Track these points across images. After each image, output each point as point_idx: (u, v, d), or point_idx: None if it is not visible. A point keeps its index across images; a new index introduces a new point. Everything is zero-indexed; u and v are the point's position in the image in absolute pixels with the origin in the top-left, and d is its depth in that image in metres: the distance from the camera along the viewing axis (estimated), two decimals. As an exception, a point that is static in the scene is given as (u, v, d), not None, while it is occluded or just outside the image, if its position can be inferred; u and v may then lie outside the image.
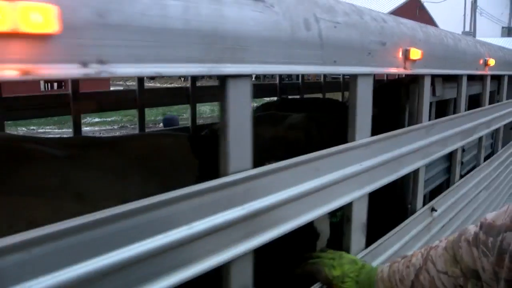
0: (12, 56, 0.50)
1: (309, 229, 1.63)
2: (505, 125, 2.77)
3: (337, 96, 4.18)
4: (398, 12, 33.38)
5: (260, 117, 2.25)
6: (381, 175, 1.31)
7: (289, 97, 3.55)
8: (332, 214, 1.42)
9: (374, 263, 1.34)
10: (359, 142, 1.20)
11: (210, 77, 0.82)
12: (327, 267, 1.11)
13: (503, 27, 61.49)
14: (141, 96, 2.66)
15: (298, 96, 3.63)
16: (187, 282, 0.75)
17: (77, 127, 2.35)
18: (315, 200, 1.03)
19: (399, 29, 1.37)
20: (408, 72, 1.41)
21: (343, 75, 3.65)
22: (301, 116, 2.04)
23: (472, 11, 36.28)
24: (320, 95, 3.87)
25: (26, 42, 0.51)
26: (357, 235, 1.24)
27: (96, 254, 0.62)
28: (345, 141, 1.16)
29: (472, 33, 34.91)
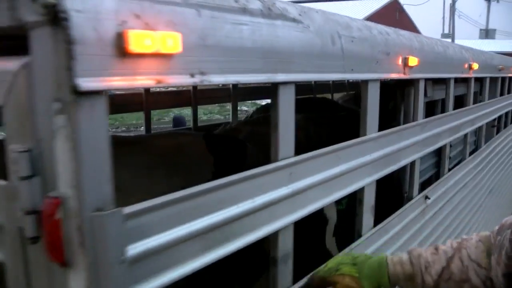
0: (153, 70, 0.71)
1: (320, 215, 1.85)
2: (487, 123, 3.05)
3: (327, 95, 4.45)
4: (378, 15, 33.63)
5: (257, 119, 2.47)
6: (386, 165, 1.54)
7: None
8: (338, 202, 1.64)
9: (380, 241, 1.57)
10: (369, 137, 1.42)
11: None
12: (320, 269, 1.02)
13: (481, 29, 62.67)
14: (147, 98, 2.84)
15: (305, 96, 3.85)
16: (249, 246, 0.96)
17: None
18: (337, 184, 1.26)
19: (399, 40, 1.60)
20: (407, 77, 1.64)
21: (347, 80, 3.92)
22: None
23: (450, 13, 36.98)
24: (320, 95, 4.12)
25: (161, 60, 0.71)
26: (367, 216, 1.47)
27: (190, 219, 0.83)
28: (335, 136, 1.36)
29: (451, 35, 35.63)
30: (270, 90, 1.01)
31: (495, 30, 61.71)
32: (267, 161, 1.01)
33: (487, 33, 60.50)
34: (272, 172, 1.00)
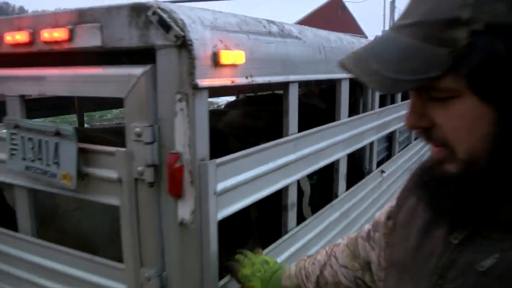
0: (230, 74, 1.15)
1: (298, 188, 2.32)
2: None
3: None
4: (321, 12, 34.55)
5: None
6: (354, 143, 2.04)
7: (259, 93, 4.26)
8: (310, 177, 2.12)
9: (350, 203, 2.08)
10: (342, 121, 1.92)
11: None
12: (241, 265, 1.19)
13: (419, 27, 66.24)
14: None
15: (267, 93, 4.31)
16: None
17: (81, 125, 2.91)
18: (323, 155, 1.74)
19: (360, 45, 2.11)
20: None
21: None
22: (236, 112, 2.75)
23: (391, 11, 38.80)
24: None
25: (234, 68, 1.16)
26: (341, 181, 1.97)
27: (249, 169, 1.27)
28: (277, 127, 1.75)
29: None
30: (283, 87, 1.48)
31: (433, 26, 65.56)
32: (243, 147, 1.39)
33: (425, 31, 64.25)
34: (284, 143, 1.47)
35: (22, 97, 1.41)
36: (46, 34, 1.25)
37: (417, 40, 0.56)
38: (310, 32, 1.64)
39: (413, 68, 0.56)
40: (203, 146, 1.10)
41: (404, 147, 3.06)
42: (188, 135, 1.07)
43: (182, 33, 1.02)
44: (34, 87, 1.36)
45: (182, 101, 1.06)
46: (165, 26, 1.03)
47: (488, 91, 0.54)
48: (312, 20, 33.97)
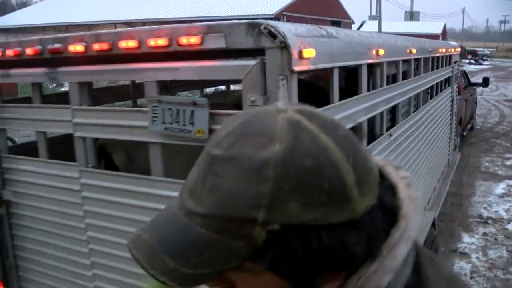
0: (307, 63, 1.93)
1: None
2: (423, 90, 4.49)
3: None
4: None
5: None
6: (371, 111, 2.85)
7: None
8: None
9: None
10: (363, 95, 2.71)
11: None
12: None
13: (406, 11, 66.92)
14: (134, 89, 3.99)
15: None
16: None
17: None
18: (351, 117, 2.54)
19: (373, 40, 2.91)
20: (378, 61, 2.95)
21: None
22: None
23: (378, -5, 39.52)
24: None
25: (308, 60, 1.94)
26: (363, 140, 2.77)
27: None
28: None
29: (378, 17, 38.09)
30: (329, 71, 2.26)
31: (419, 12, 66.14)
32: None
33: (411, 15, 64.91)
34: (331, 108, 2.26)
35: (158, 82, 2.18)
36: (184, 40, 2.02)
37: (211, 232, 0.58)
38: (342, 32, 2.43)
39: (211, 261, 0.58)
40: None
41: (406, 117, 3.87)
42: (287, 99, 1.86)
43: (284, 40, 1.80)
44: (169, 74, 2.14)
45: (283, 80, 1.84)
46: (273, 35, 1.81)
47: (286, 272, 0.58)
48: (300, 5, 34.62)
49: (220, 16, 35.14)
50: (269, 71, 1.87)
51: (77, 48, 2.34)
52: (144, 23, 38.90)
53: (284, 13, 33.69)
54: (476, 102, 14.60)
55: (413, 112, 4.11)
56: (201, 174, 0.61)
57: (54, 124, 2.66)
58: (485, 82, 13.27)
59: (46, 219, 2.89)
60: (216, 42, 1.95)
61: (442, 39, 50.30)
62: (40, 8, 50.23)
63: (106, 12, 42.16)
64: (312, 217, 0.56)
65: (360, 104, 2.67)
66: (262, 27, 1.82)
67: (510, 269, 5.77)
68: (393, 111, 3.61)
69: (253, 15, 33.73)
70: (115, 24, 40.56)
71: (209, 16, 35.49)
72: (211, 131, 2.01)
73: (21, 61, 2.71)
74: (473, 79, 13.86)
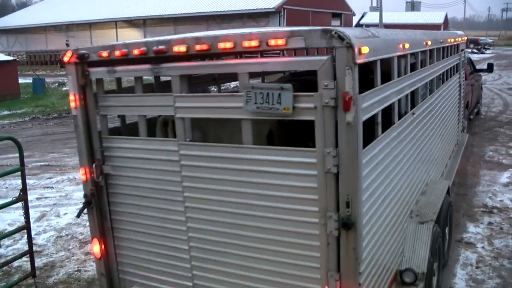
0: (363, 57, 2.77)
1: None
2: (436, 76, 5.35)
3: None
4: None
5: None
6: (400, 93, 3.69)
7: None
8: None
9: (402, 126, 3.73)
10: (394, 80, 3.55)
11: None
12: None
13: (406, 2, 67.90)
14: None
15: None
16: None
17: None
18: (388, 98, 3.38)
19: (401, 36, 3.75)
20: (404, 52, 3.79)
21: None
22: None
23: (379, -14, 40.16)
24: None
25: (364, 55, 2.78)
26: (395, 116, 3.62)
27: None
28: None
29: (379, 8, 38.78)
30: (374, 63, 3.09)
31: (420, 2, 67.06)
32: None
33: (412, 6, 65.88)
34: (374, 91, 3.11)
35: (249, 73, 3.02)
36: (272, 42, 2.85)
37: None
38: (381, 32, 3.27)
39: None
40: (357, 88, 2.73)
41: (424, 99, 4.72)
42: (352, 84, 2.69)
43: (349, 41, 2.64)
44: (259, 67, 2.98)
45: (348, 70, 2.68)
46: (341, 38, 2.65)
47: None
48: None
49: (221, 11, 35.80)
50: (338, 64, 2.70)
51: (181, 48, 3.17)
52: (144, 20, 39.53)
53: (284, 6, 34.45)
54: (481, 88, 15.69)
55: (429, 95, 4.97)
56: None
57: (157, 108, 3.49)
58: (490, 68, 14.30)
59: (142, 186, 3.71)
60: (297, 43, 2.79)
61: (443, 29, 51.05)
62: (40, 8, 50.98)
63: (106, 11, 42.90)
64: None
65: (393, 88, 3.52)
66: (333, 32, 2.66)
67: None
68: (414, 93, 4.44)
69: (254, 9, 34.44)
70: (115, 21, 41.25)
71: (210, 12, 36.13)
72: (294, 108, 2.85)
73: (126, 60, 3.54)
74: (478, 67, 14.87)
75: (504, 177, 9.06)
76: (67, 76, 3.78)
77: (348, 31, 2.69)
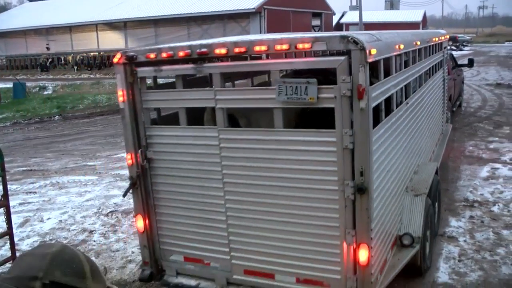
0: (372, 57, 3.61)
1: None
2: (424, 71, 6.26)
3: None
4: None
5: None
6: (397, 86, 4.55)
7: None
8: None
9: (400, 113, 4.58)
10: (393, 75, 4.41)
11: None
12: None
13: (386, 1, 69.39)
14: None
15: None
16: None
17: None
18: (389, 90, 4.24)
19: (397, 38, 4.61)
20: (399, 52, 4.65)
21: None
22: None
23: (359, -14, 40.89)
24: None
25: (374, 55, 3.62)
26: (393, 105, 4.47)
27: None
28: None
29: (358, 7, 39.52)
30: (377, 61, 3.94)
31: (399, 1, 68.68)
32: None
33: (391, 4, 67.29)
34: (382, 82, 3.95)
35: (280, 71, 3.83)
36: (300, 45, 3.66)
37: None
38: (383, 36, 4.12)
39: None
40: (368, 81, 3.56)
41: (414, 91, 5.60)
42: (364, 78, 3.52)
43: (363, 45, 3.47)
44: (287, 66, 3.80)
45: (362, 67, 3.51)
46: (356, 43, 3.48)
47: None
48: None
49: (201, 12, 36.16)
50: (353, 63, 3.53)
51: (222, 51, 3.97)
52: (125, 22, 39.79)
53: (265, 6, 34.81)
54: (463, 82, 16.97)
55: (419, 87, 5.86)
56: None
57: (199, 101, 4.27)
58: (470, 63, 15.46)
59: (183, 167, 4.48)
60: (320, 47, 3.61)
61: (422, 27, 52.41)
62: (20, 12, 50.83)
63: (87, 14, 42.99)
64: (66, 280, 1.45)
65: (392, 81, 4.37)
66: (349, 38, 3.48)
67: (497, 250, 6.06)
68: (407, 86, 5.30)
69: (234, 9, 34.92)
70: (96, 24, 41.43)
71: (191, 13, 36.54)
72: (318, 98, 3.66)
73: (171, 61, 4.32)
74: (459, 62, 15.97)
75: (484, 171, 9.38)
76: (115, 74, 4.52)
77: (360, 37, 3.52)
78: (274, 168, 4.02)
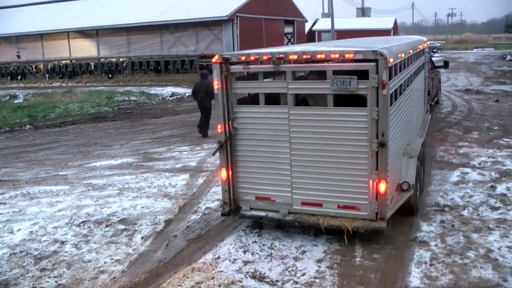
0: (391, 63, 6.35)
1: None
2: (414, 71, 9.16)
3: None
4: None
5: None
6: (400, 81, 7.33)
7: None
8: None
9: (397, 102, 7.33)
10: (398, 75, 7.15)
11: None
12: None
13: (357, 8, 72.77)
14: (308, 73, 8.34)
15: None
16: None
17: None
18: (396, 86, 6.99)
19: (399, 49, 7.37)
20: (401, 59, 7.40)
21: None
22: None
23: (328, -5, 42.39)
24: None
25: (392, 62, 6.38)
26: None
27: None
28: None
29: (330, 14, 41.32)
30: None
31: (370, 8, 72.16)
32: None
33: (363, 12, 70.76)
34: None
35: (332, 71, 6.53)
36: (347, 55, 6.41)
37: None
38: (393, 48, 6.85)
39: None
40: (388, 78, 6.28)
41: (408, 85, 8.42)
42: (386, 76, 6.27)
43: (386, 56, 6.25)
44: (337, 67, 6.58)
45: (384, 69, 6.27)
46: (382, 55, 6.27)
47: None
48: (253, 6, 38.46)
49: (174, 20, 37.91)
50: (380, 67, 6.31)
51: (294, 57, 6.75)
52: (97, 30, 41.23)
53: (237, 14, 36.85)
54: (440, 81, 20.43)
55: (410, 83, 8.70)
56: None
57: (274, 88, 7.13)
58: (446, 65, 19.04)
59: (260, 133, 7.18)
60: (359, 56, 6.33)
61: (393, 34, 55.73)
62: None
63: (58, 21, 44.04)
64: None
65: (398, 78, 7.17)
66: (378, 52, 6.19)
67: (467, 254, 6.37)
68: (405, 82, 8.11)
69: (207, 17, 36.82)
70: (67, 32, 42.68)
71: (163, 21, 38.27)
72: (357, 88, 6.31)
73: (255, 61, 7.04)
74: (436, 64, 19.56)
75: (454, 176, 9.95)
76: (213, 70, 7.16)
77: (383, 50, 6.19)
78: (326, 132, 6.76)
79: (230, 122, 7.20)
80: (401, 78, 7.61)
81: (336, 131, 6.67)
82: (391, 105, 6.66)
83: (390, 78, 6.51)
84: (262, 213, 7.29)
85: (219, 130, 7.25)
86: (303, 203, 7.07)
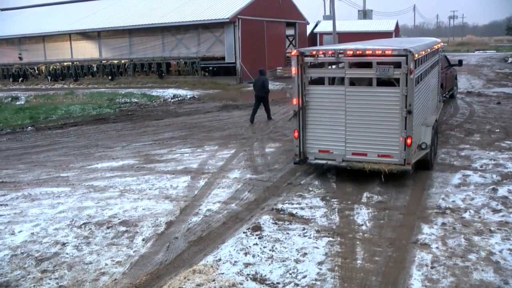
0: (413, 59, 9.70)
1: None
2: (430, 65, 12.74)
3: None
4: (261, 0, 38.62)
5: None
6: (421, 71, 10.99)
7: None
8: None
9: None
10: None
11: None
12: None
13: (359, 10, 73.02)
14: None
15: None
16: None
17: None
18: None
19: (420, 47, 10.70)
20: (422, 55, 9.38)
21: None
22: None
23: (330, -3, 42.25)
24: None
25: (416, 58, 9.47)
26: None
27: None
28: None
29: (332, 16, 41.24)
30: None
31: (372, 10, 71.96)
32: None
33: (364, 14, 70.51)
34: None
35: (376, 63, 10.17)
36: (387, 52, 10.13)
37: None
38: (416, 44, 9.14)
39: None
40: (414, 67, 9.98)
41: (426, 75, 12.13)
42: (413, 66, 9.96)
43: (413, 53, 10.01)
44: (379, 59, 9.92)
45: (412, 61, 9.81)
46: (410, 52, 9.99)
47: None
48: (254, 8, 38.78)
49: (175, 22, 39.87)
50: (409, 60, 10.09)
51: (350, 52, 10.39)
52: (99, 32, 41.34)
53: (239, 16, 37.69)
54: (456, 78, 23.31)
55: (428, 73, 12.44)
56: None
57: (335, 74, 10.75)
58: (460, 63, 22.15)
59: (324, 104, 10.61)
60: (395, 53, 10.05)
61: (395, 36, 55.98)
62: (-9, 21, 51.20)
63: (60, 23, 46.11)
64: None
65: (420, 68, 10.93)
66: (408, 49, 9.89)
67: (469, 256, 6.28)
68: (424, 71, 11.76)
69: (208, 19, 38.65)
70: (69, 34, 42.74)
71: (165, 23, 39.20)
72: (393, 74, 9.86)
73: (322, 54, 10.92)
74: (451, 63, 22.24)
75: (455, 178, 10.12)
76: (291, 61, 10.70)
77: (411, 48, 9.82)
78: (370, 103, 10.14)
79: (303, 97, 10.67)
80: (422, 69, 11.00)
81: (378, 103, 10.02)
82: (416, 85, 10.05)
83: (415, 67, 9.96)
84: (323, 162, 10.75)
85: (294, 102, 10.72)
86: (353, 153, 10.32)
